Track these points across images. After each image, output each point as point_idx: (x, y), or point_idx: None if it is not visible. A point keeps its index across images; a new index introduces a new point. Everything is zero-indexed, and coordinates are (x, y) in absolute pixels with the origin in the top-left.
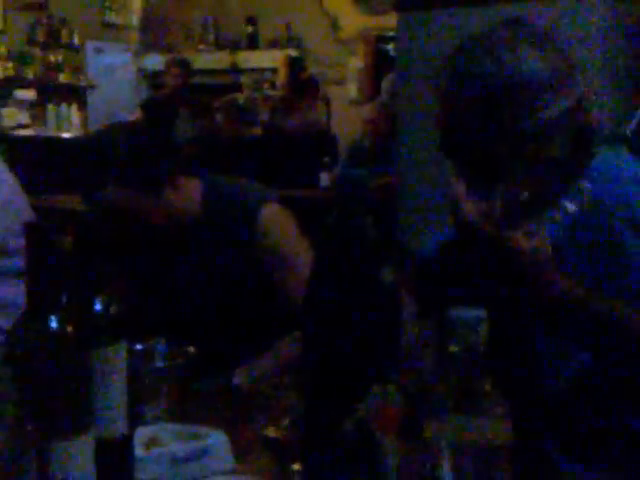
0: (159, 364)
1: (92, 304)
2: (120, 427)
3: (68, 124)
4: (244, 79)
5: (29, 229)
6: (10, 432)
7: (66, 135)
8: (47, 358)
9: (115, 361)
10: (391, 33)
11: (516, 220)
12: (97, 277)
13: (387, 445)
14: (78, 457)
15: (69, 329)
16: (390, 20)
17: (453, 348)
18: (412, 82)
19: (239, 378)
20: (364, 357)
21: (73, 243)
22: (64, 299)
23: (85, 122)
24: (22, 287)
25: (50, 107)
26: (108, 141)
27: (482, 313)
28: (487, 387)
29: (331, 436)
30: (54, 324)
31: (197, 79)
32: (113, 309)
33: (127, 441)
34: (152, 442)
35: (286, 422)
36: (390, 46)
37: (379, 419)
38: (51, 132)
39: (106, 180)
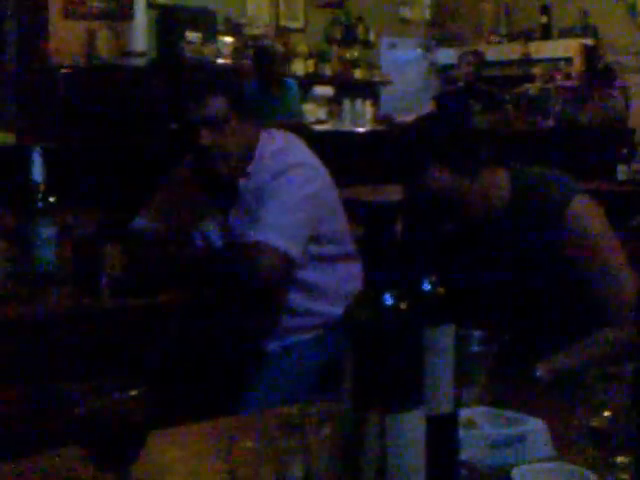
0: (474, 349)
1: (421, 284)
2: (447, 406)
3: (362, 119)
4: (536, 70)
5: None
6: (353, 402)
7: (360, 130)
8: (383, 333)
9: (444, 341)
10: None
11: None
12: (425, 259)
13: None
14: (410, 431)
15: (403, 306)
16: None
17: None
18: None
19: (541, 371)
20: None
21: (402, 227)
22: (398, 278)
23: (377, 117)
24: (327, 271)
25: (346, 102)
26: (427, 130)
27: None
28: None
29: None
30: (389, 301)
31: (488, 71)
32: (441, 290)
33: (454, 420)
34: (468, 424)
35: (609, 413)
36: None
37: None
38: (346, 127)
39: (424, 166)
